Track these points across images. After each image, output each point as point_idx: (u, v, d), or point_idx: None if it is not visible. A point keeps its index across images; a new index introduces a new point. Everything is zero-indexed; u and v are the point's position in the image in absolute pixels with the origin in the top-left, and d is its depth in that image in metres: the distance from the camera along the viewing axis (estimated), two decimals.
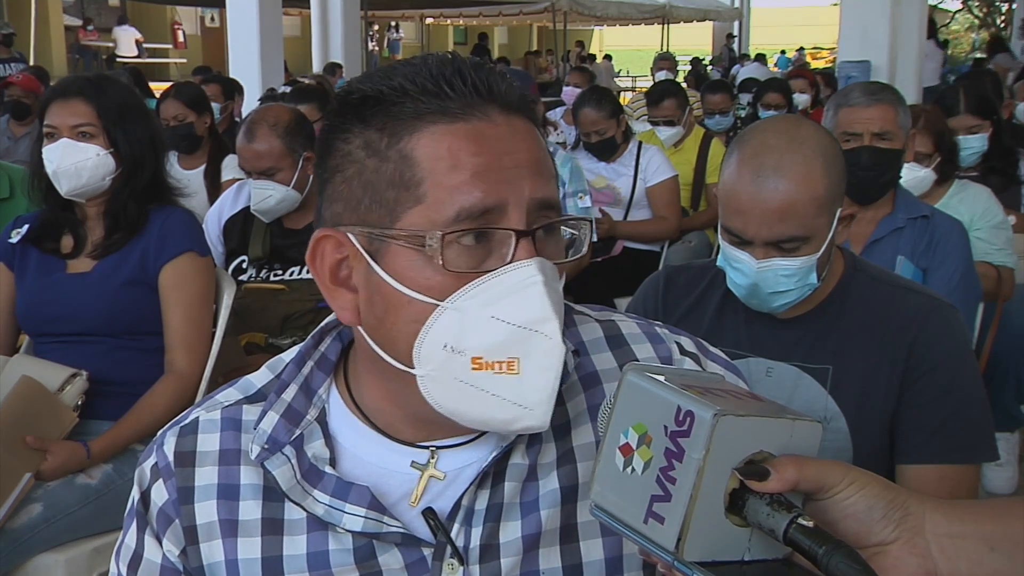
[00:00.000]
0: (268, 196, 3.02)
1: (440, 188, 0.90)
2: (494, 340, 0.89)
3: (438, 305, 0.90)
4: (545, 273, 0.90)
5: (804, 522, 0.73)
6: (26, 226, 2.48)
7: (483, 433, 0.99)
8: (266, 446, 1.00)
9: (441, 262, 0.89)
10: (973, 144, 3.56)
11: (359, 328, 0.98)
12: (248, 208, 3.16)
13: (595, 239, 4.05)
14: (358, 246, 0.94)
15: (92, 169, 2.37)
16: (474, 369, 0.90)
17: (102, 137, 2.38)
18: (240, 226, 3.18)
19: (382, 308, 0.94)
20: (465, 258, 0.90)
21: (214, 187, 4.34)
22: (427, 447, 1.00)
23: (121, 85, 2.51)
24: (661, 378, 0.79)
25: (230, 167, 4.37)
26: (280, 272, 3.07)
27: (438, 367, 0.91)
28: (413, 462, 1.00)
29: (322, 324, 1.07)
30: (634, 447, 0.78)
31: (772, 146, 1.63)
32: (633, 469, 0.77)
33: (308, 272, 2.99)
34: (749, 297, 1.71)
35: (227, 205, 3.30)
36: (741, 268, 1.67)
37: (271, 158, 3.00)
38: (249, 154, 3.04)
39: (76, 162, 2.36)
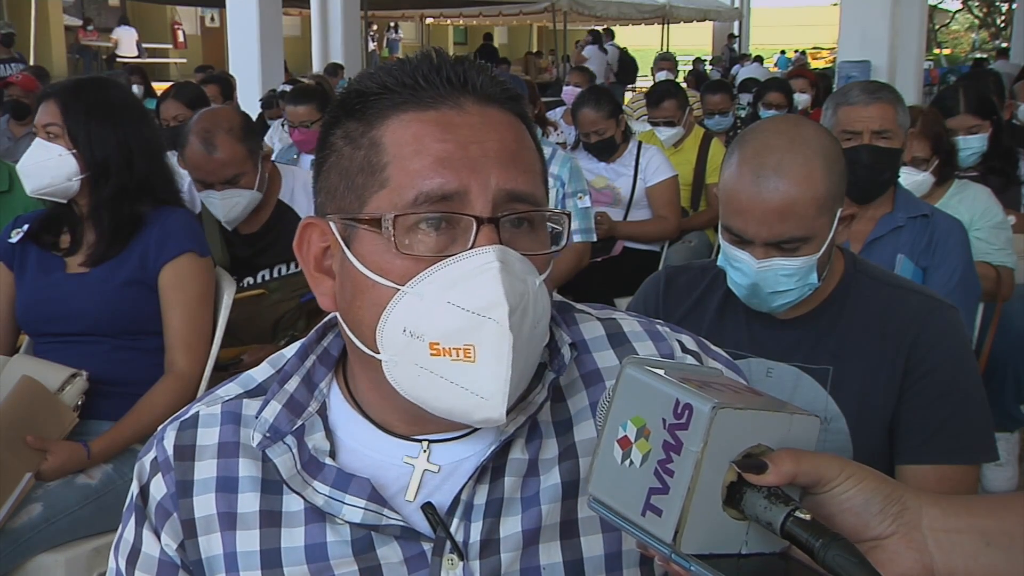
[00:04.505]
0: (236, 204, 2.93)
1: (403, 173, 0.92)
2: (450, 326, 0.90)
3: (398, 289, 0.91)
4: (505, 261, 0.90)
5: (801, 515, 0.73)
6: (26, 226, 2.48)
7: (478, 427, 1.00)
8: (268, 435, 1.00)
9: (395, 246, 0.91)
10: (973, 144, 3.56)
11: (338, 315, 1.00)
12: (197, 216, 3.10)
13: (595, 239, 4.05)
14: (336, 233, 0.97)
15: (54, 169, 2.35)
16: (432, 355, 0.90)
17: (65, 138, 2.36)
18: None
19: (351, 292, 0.96)
20: (427, 243, 0.91)
21: None
22: (421, 440, 1.01)
23: (105, 88, 2.46)
24: (660, 371, 0.79)
25: None
26: (252, 281, 3.01)
27: (399, 352, 0.92)
28: (406, 458, 1.00)
29: (325, 320, 1.08)
30: (632, 440, 0.78)
31: (773, 146, 1.63)
32: (631, 462, 0.78)
33: (279, 272, 2.97)
34: (749, 297, 1.71)
35: None
36: (741, 268, 1.67)
37: (236, 165, 2.89)
38: (213, 165, 2.88)
39: (38, 161, 2.36)
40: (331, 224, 0.97)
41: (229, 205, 2.94)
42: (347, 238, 0.95)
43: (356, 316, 0.96)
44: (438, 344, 0.90)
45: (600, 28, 18.89)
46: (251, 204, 2.97)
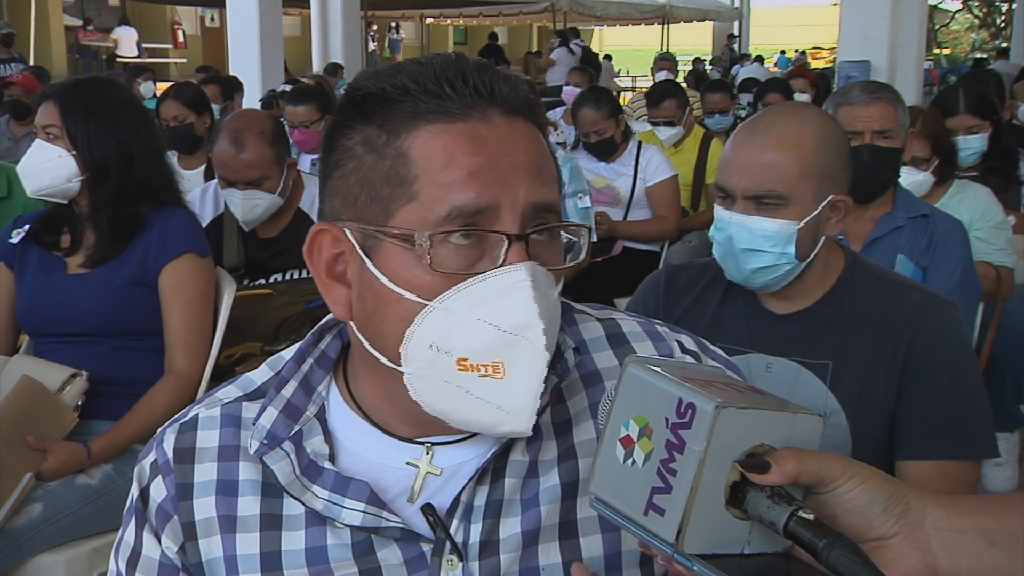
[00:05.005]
0: (256, 206, 2.96)
1: (434, 186, 0.90)
2: (480, 343, 0.89)
3: (426, 305, 0.90)
4: (535, 278, 0.90)
5: (805, 515, 0.73)
6: (27, 226, 2.48)
7: None
8: (265, 441, 1.00)
9: (429, 262, 0.90)
10: (973, 144, 3.55)
11: (351, 324, 0.99)
12: (218, 218, 3.11)
13: (595, 239, 4.05)
14: (353, 242, 0.95)
15: (54, 170, 2.35)
16: (460, 370, 0.90)
17: (64, 139, 2.36)
18: (213, 239, 3.03)
19: (372, 304, 0.94)
20: (456, 259, 0.90)
21: None
22: (423, 443, 1.00)
23: (104, 88, 2.45)
24: (662, 370, 0.79)
25: None
26: (264, 282, 3.03)
27: (424, 366, 0.92)
28: (409, 461, 1.00)
29: (322, 322, 1.08)
30: (635, 439, 0.78)
31: (772, 112, 1.72)
32: (634, 461, 0.77)
33: (291, 276, 2.98)
34: (726, 257, 1.72)
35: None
36: (721, 225, 1.70)
37: (262, 167, 2.93)
38: (238, 164, 2.92)
39: (38, 162, 2.36)
40: (347, 232, 0.95)
41: (249, 206, 2.96)
42: (367, 248, 0.94)
43: (378, 329, 0.94)
44: (466, 360, 0.90)
45: (564, 27, 18.95)
46: (271, 208, 2.99)
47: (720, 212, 1.71)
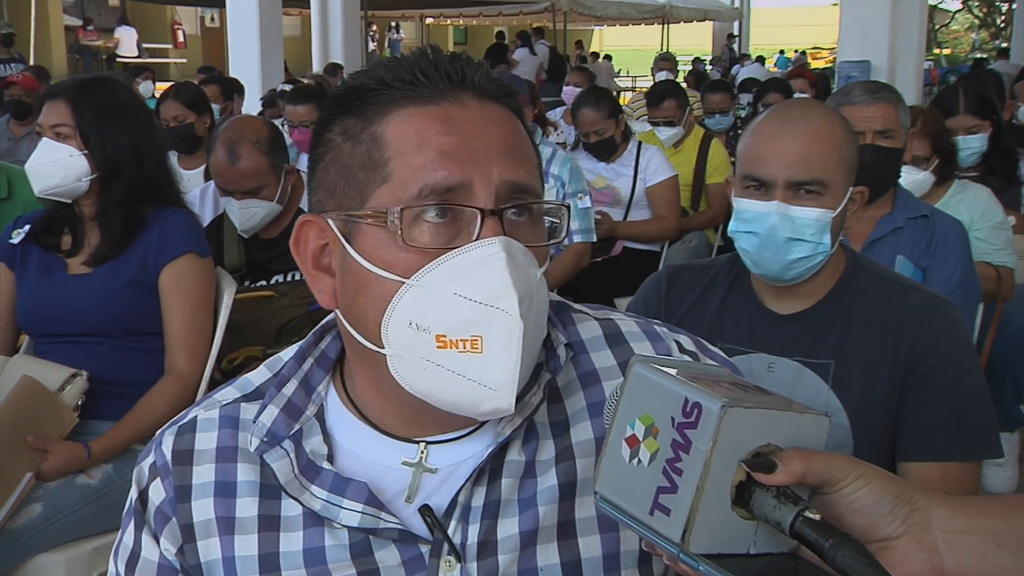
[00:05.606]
0: (254, 214, 2.94)
1: (406, 167, 0.92)
2: (457, 317, 0.90)
3: (403, 283, 0.91)
4: (510, 252, 0.90)
5: (811, 515, 0.72)
6: (27, 226, 2.48)
7: (476, 428, 1.00)
8: (265, 439, 1.00)
9: (401, 238, 0.90)
10: (972, 144, 3.55)
11: (338, 312, 1.00)
12: (218, 219, 3.09)
13: (595, 239, 4.05)
14: (335, 230, 0.96)
15: (64, 170, 2.34)
16: (439, 347, 0.90)
17: (76, 138, 2.36)
18: (213, 240, 3.01)
19: (353, 288, 0.95)
20: (431, 236, 0.91)
21: None
22: (419, 442, 1.00)
23: (112, 88, 2.45)
24: (669, 370, 0.78)
25: None
26: (264, 283, 3.02)
27: (405, 345, 0.92)
28: (404, 459, 1.00)
29: (322, 322, 1.08)
30: (640, 439, 0.77)
31: (796, 105, 1.76)
32: (639, 461, 0.77)
33: (293, 277, 2.97)
34: (763, 248, 1.69)
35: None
36: (754, 217, 1.68)
37: (258, 177, 2.89)
38: (235, 175, 2.88)
39: (47, 162, 2.35)
40: (330, 221, 0.97)
41: (247, 215, 2.94)
42: (347, 234, 0.95)
43: (360, 312, 0.95)
44: (445, 336, 0.90)
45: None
46: (269, 215, 2.97)
47: (755, 204, 1.68)
